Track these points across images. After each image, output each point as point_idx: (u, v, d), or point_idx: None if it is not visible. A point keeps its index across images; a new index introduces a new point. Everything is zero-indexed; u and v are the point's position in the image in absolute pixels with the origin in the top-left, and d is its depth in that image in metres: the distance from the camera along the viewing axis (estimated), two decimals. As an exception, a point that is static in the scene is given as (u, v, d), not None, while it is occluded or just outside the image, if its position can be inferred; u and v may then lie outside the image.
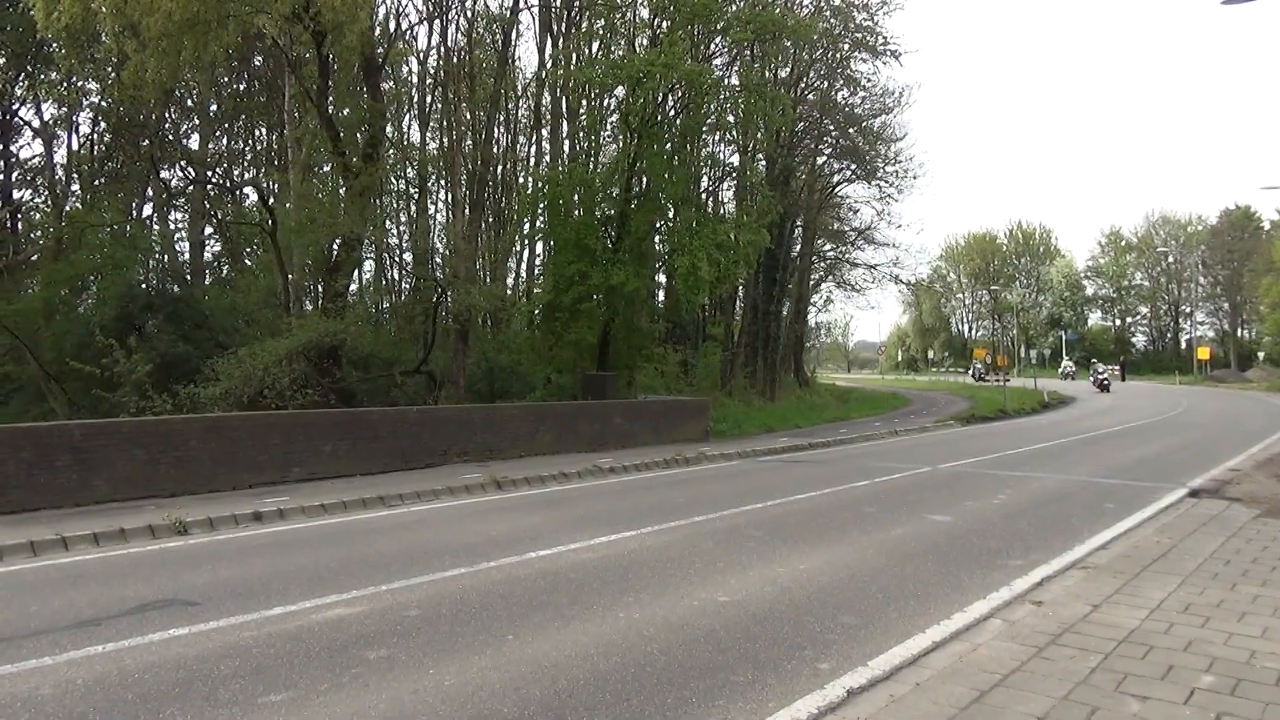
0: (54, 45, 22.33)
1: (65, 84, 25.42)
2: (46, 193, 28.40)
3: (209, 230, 31.21)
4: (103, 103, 26.73)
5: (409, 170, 32.77)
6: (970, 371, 65.51)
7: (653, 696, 4.73)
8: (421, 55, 33.03)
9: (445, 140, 30.78)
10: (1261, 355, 73.51)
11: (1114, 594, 6.47)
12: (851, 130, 36.00)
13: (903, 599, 6.64)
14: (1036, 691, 4.56)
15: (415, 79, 33.48)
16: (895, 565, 7.74)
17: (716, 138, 31.44)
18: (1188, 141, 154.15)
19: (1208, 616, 5.87)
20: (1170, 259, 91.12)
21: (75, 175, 28.98)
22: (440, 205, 35.03)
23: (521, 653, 5.42)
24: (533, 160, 33.21)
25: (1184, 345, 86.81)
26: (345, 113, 23.77)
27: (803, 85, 33.84)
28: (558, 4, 29.71)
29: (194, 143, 31.32)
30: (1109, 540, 8.76)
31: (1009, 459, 16.47)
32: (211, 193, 29.54)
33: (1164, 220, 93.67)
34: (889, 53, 32.44)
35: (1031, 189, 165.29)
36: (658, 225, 23.98)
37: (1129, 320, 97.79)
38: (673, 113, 23.34)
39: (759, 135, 26.12)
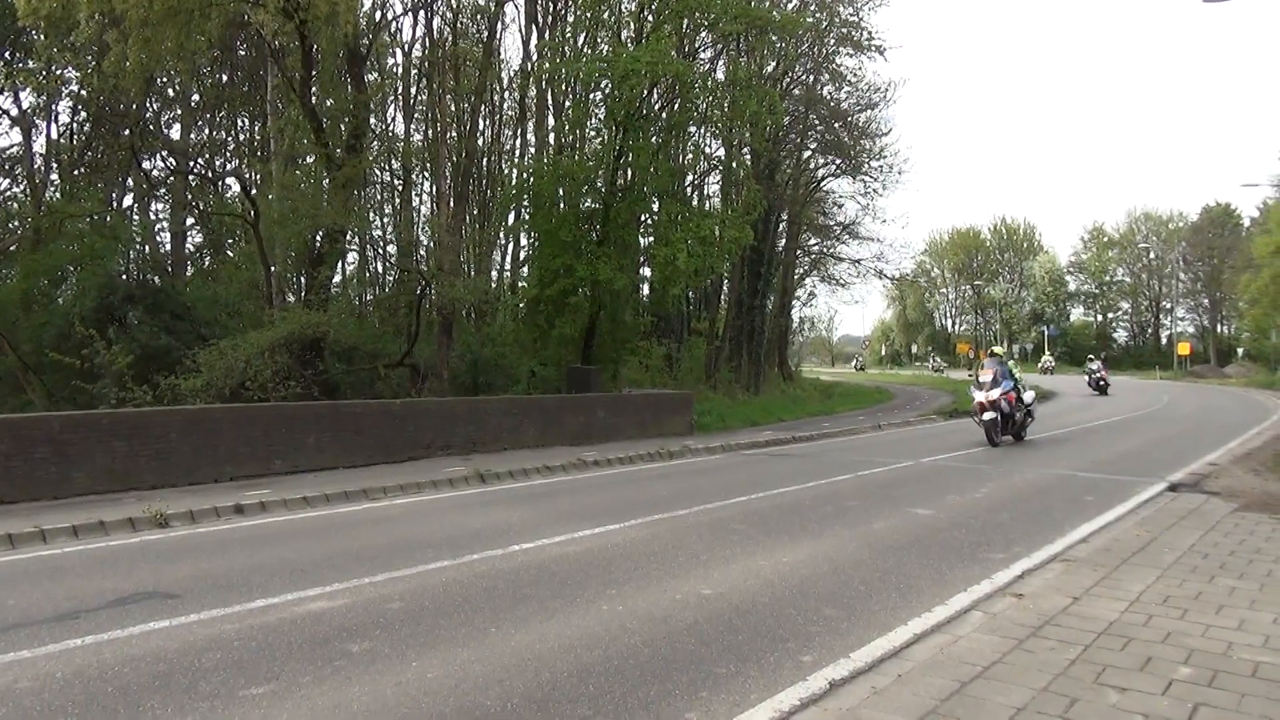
0: (33, 33, 22.08)
1: (44, 72, 25.11)
2: (25, 182, 28.09)
3: (190, 221, 31.00)
4: (83, 91, 26.44)
5: (393, 162, 32.61)
6: (1088, 378, 42.01)
7: (635, 688, 4.74)
8: (406, 46, 32.88)
9: (430, 132, 30.67)
10: (1241, 351, 74.20)
11: (1094, 586, 6.52)
12: (837, 125, 36.02)
13: (885, 591, 6.68)
14: (1017, 683, 4.59)
15: (399, 70, 33.32)
16: (877, 558, 7.77)
17: (702, 131, 31.44)
18: (1170, 139, 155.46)
19: (1186, 609, 5.93)
20: (1151, 255, 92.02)
21: (54, 165, 28.65)
22: (424, 197, 34.91)
23: (504, 645, 5.41)
24: (517, 153, 33.11)
25: (1164, 341, 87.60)
26: (329, 103, 23.62)
27: (788, 80, 33.83)
28: (543, -4, 29.60)
29: (175, 132, 31.05)
30: (1089, 533, 8.83)
31: (991, 453, 16.54)
32: (193, 183, 29.35)
33: (1146, 216, 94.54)
34: (874, 48, 32.50)
35: (1015, 185, 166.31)
36: (642, 219, 23.94)
37: (1110, 316, 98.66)
38: (658, 107, 23.30)
39: (745, 131, 26.10)
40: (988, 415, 17.65)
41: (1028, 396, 19.12)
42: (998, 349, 22.29)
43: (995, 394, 17.55)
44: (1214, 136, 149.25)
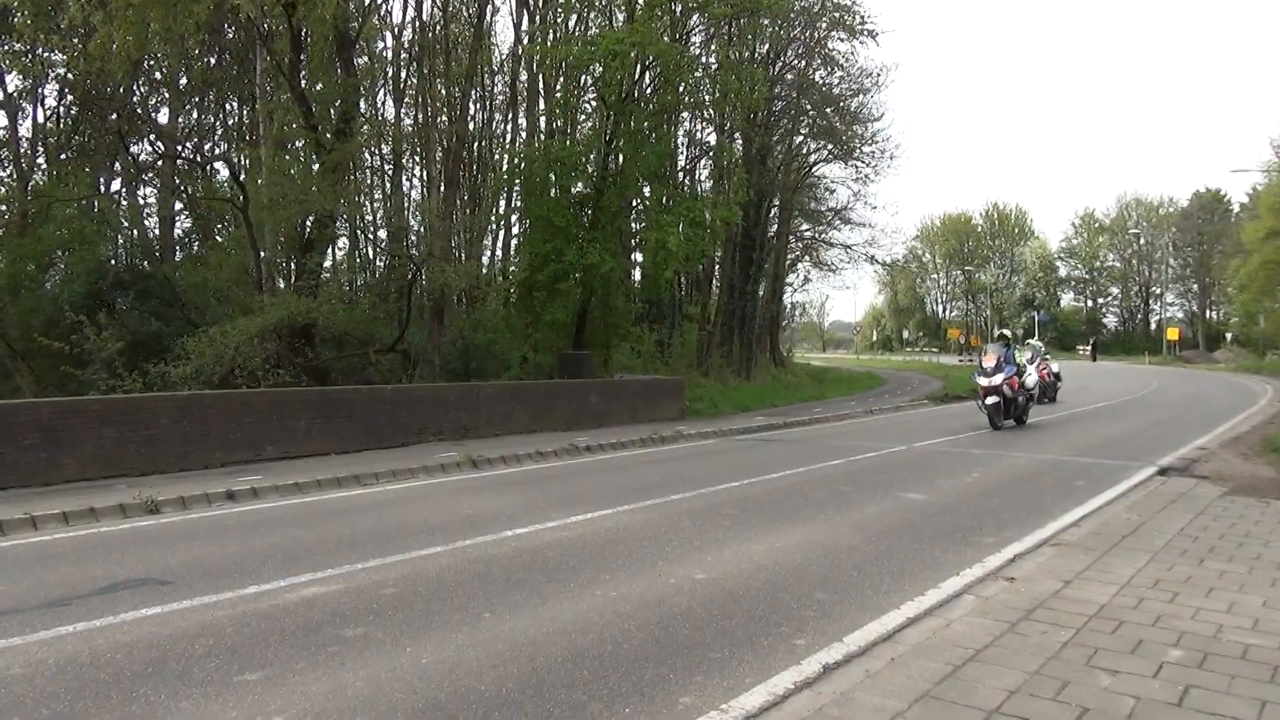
0: (17, 15, 21.82)
1: (30, 55, 24.82)
2: (11, 166, 27.79)
3: (179, 206, 30.71)
4: (69, 75, 26.15)
5: (383, 146, 32.40)
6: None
7: (630, 673, 4.74)
8: (396, 29, 32.58)
9: (420, 116, 30.44)
10: (1229, 337, 74.61)
11: (1085, 570, 6.55)
12: (829, 110, 35.90)
13: (878, 576, 6.70)
14: (1009, 666, 4.62)
15: (390, 54, 33.00)
16: (870, 543, 7.80)
17: (690, 116, 31.29)
18: (1161, 124, 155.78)
19: (1176, 592, 5.96)
20: (1142, 241, 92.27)
21: (41, 148, 28.37)
22: (415, 182, 34.68)
23: (498, 630, 5.41)
24: (509, 137, 32.94)
25: (1154, 326, 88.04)
26: (318, 87, 23.39)
27: (780, 64, 33.71)
28: (534, -22, 29.37)
29: (163, 116, 30.71)
30: (1080, 517, 8.87)
31: (982, 438, 16.60)
32: (182, 167, 29.06)
33: (1136, 202, 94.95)
34: (866, 32, 32.36)
35: (1007, 170, 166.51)
36: (633, 203, 23.86)
37: (1100, 301, 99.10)
38: (649, 90, 23.20)
39: (735, 113, 26.03)
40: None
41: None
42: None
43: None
44: (1205, 122, 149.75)
